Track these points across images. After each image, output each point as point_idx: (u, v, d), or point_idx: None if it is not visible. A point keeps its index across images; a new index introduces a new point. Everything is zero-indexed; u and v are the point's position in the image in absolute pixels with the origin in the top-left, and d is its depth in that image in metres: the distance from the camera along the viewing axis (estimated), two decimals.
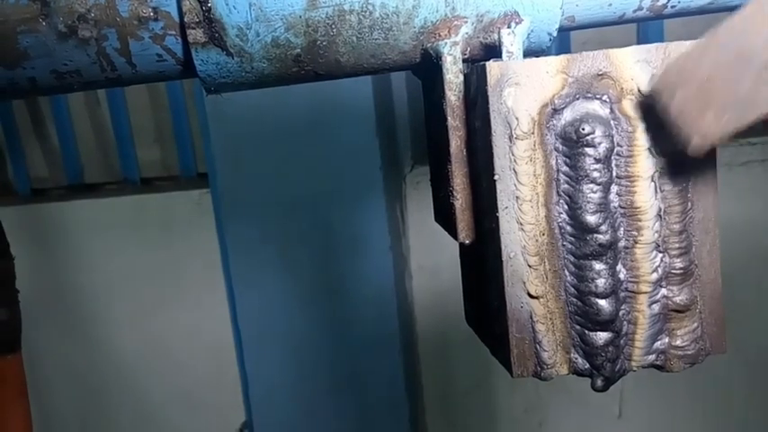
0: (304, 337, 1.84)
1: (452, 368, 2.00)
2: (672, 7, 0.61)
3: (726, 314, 0.53)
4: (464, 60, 0.55)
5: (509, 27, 0.55)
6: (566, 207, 0.50)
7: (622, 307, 0.51)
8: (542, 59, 0.49)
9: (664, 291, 0.51)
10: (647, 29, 1.81)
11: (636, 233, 0.50)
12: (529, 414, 2.02)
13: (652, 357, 0.53)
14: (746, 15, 0.44)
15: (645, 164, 0.49)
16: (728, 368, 1.83)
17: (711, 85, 0.44)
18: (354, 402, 1.88)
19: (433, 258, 1.90)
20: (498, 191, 0.50)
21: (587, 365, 0.52)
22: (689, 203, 0.50)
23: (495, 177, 0.50)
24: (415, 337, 1.98)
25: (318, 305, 1.82)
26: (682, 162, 0.49)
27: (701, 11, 0.62)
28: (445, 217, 0.60)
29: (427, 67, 0.57)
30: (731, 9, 0.63)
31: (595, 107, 0.49)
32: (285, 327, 1.84)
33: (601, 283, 0.50)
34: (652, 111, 0.48)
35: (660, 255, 0.51)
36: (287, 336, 1.84)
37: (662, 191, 0.50)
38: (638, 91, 0.49)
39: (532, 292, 0.51)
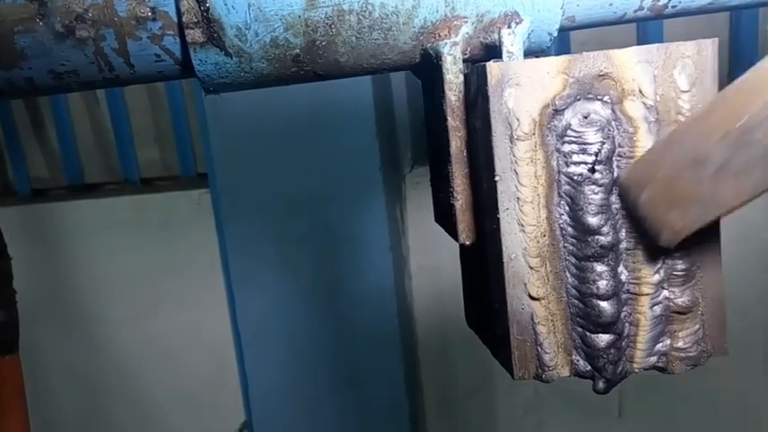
0: (304, 337, 1.84)
1: (452, 369, 2.00)
2: (672, 7, 0.61)
3: (727, 315, 0.53)
4: (464, 60, 0.54)
5: (509, 27, 0.54)
6: (567, 208, 0.50)
7: (624, 309, 0.51)
8: (543, 60, 0.48)
9: (665, 292, 0.51)
10: (646, 29, 1.81)
11: (638, 235, 0.50)
12: (529, 415, 2.01)
13: (654, 359, 0.52)
14: (699, 118, 0.45)
15: None
16: (729, 368, 1.82)
17: (674, 184, 0.45)
18: (354, 403, 1.88)
19: (433, 259, 1.90)
20: (499, 192, 0.50)
21: (589, 367, 0.52)
22: None
23: (496, 178, 0.50)
24: (414, 337, 1.98)
25: (318, 305, 1.82)
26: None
27: (701, 11, 0.62)
28: (445, 218, 0.60)
29: (427, 67, 0.57)
30: (731, 9, 0.63)
31: (596, 108, 0.49)
32: (285, 327, 1.83)
33: (602, 284, 0.50)
34: (625, 207, 0.49)
35: (662, 256, 0.50)
36: (287, 336, 1.84)
37: None
38: (640, 91, 0.49)
39: (534, 294, 0.51)
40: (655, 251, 0.49)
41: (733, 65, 1.86)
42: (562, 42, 1.82)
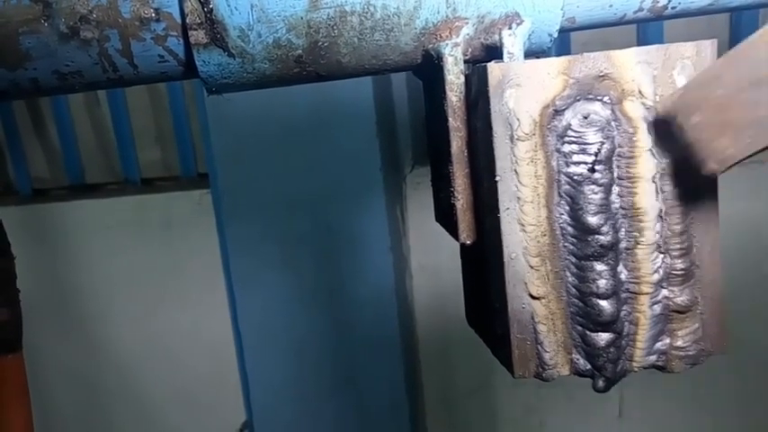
0: (304, 337, 1.84)
1: (453, 368, 2.00)
2: (672, 8, 0.61)
3: (726, 314, 0.53)
4: (465, 61, 0.55)
5: (510, 28, 0.55)
6: (567, 208, 0.50)
7: (623, 308, 0.51)
8: (543, 61, 0.49)
9: (665, 291, 0.51)
10: (646, 29, 1.81)
11: (637, 234, 0.50)
12: (529, 414, 2.02)
13: (653, 358, 0.53)
14: (754, 41, 0.43)
15: (646, 165, 0.49)
16: (729, 368, 1.83)
17: (728, 108, 0.44)
18: (355, 403, 1.88)
19: (434, 258, 1.90)
20: (500, 192, 0.50)
21: (589, 366, 0.52)
22: (690, 204, 0.51)
23: (497, 178, 0.50)
24: (415, 337, 1.98)
25: (319, 305, 1.82)
26: (683, 163, 0.49)
27: (701, 12, 0.62)
28: (446, 217, 0.60)
29: (428, 68, 0.57)
30: (731, 10, 0.63)
31: (596, 108, 0.49)
32: (285, 327, 1.84)
33: (602, 283, 0.50)
34: (667, 134, 0.48)
35: (661, 256, 0.51)
36: (287, 336, 1.84)
37: (663, 192, 0.50)
38: (639, 92, 0.49)
39: (534, 293, 0.51)
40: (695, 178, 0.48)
41: None
42: (562, 43, 1.82)
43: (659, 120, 0.48)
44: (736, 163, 0.45)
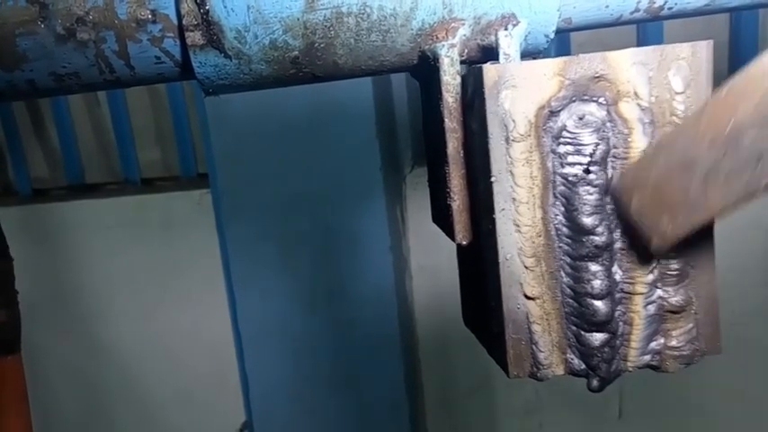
0: (304, 337, 1.84)
1: (453, 369, 2.00)
2: (669, 9, 0.61)
3: (721, 315, 0.53)
4: (461, 62, 0.55)
5: (506, 29, 0.55)
6: (562, 209, 0.50)
7: (618, 308, 0.51)
8: (539, 62, 0.49)
9: (659, 292, 0.52)
10: (646, 30, 1.81)
11: (631, 239, 0.50)
12: (529, 415, 2.02)
13: (647, 358, 0.53)
14: (688, 123, 0.45)
15: None
16: (728, 368, 1.83)
17: (663, 189, 0.46)
18: (354, 403, 1.88)
19: (434, 259, 1.90)
20: (495, 193, 0.50)
21: (583, 366, 0.52)
22: None
23: (492, 179, 0.50)
24: (415, 337, 1.98)
25: (319, 305, 1.82)
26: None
27: (697, 12, 0.63)
28: (443, 218, 0.60)
29: (425, 69, 0.57)
30: (728, 11, 0.63)
31: (592, 109, 0.49)
32: (285, 327, 1.84)
33: (597, 284, 0.50)
34: (617, 210, 0.50)
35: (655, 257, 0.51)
36: (287, 336, 1.84)
37: None
38: (635, 93, 0.49)
39: (529, 294, 0.51)
40: (648, 254, 0.50)
41: (733, 66, 1.87)
42: (562, 44, 1.82)
43: (611, 196, 0.50)
44: (679, 239, 0.47)
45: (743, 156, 0.41)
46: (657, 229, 0.47)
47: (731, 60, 1.87)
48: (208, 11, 0.54)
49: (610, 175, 0.50)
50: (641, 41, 1.83)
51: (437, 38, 0.56)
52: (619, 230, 0.50)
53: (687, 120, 0.46)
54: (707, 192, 0.43)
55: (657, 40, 1.79)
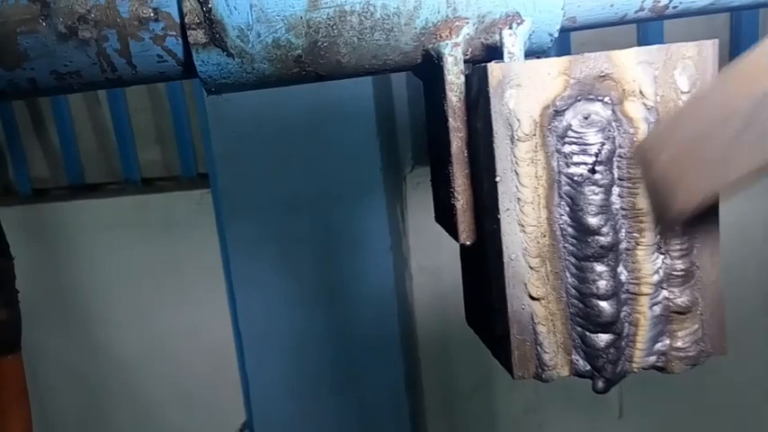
0: (304, 338, 1.84)
1: (453, 369, 2.00)
2: (673, 8, 0.61)
3: (726, 316, 0.53)
4: (465, 61, 0.55)
5: (510, 28, 0.54)
6: (567, 209, 0.50)
7: (623, 309, 0.51)
8: (544, 61, 0.49)
9: (665, 292, 0.51)
10: (646, 29, 1.81)
11: (637, 235, 0.50)
12: (529, 415, 2.02)
13: (653, 359, 0.53)
14: (727, 78, 0.44)
15: None
16: (730, 368, 1.83)
17: (692, 148, 0.44)
18: (355, 403, 1.88)
19: (434, 259, 1.90)
20: (500, 192, 0.50)
21: (588, 367, 0.52)
22: None
23: (497, 179, 0.50)
24: (415, 337, 1.98)
25: (319, 305, 1.82)
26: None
27: (701, 11, 0.62)
28: (446, 218, 0.60)
29: (428, 67, 0.57)
30: (732, 10, 0.63)
31: (597, 109, 0.49)
32: (285, 327, 1.84)
33: (602, 284, 0.50)
34: (640, 172, 0.48)
35: (661, 256, 0.51)
36: (287, 336, 1.84)
37: None
38: (640, 92, 0.49)
39: (534, 294, 0.51)
40: (665, 224, 0.48)
41: None
42: (562, 43, 1.82)
43: (632, 160, 0.49)
44: (702, 202, 0.45)
45: None
46: (683, 189, 0.45)
47: (731, 60, 1.87)
48: (210, 9, 0.53)
49: (616, 175, 0.49)
50: (641, 41, 1.83)
51: (441, 37, 0.55)
52: (624, 230, 0.50)
53: (724, 75, 0.44)
54: (741, 149, 0.42)
55: (658, 39, 1.79)
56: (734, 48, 1.86)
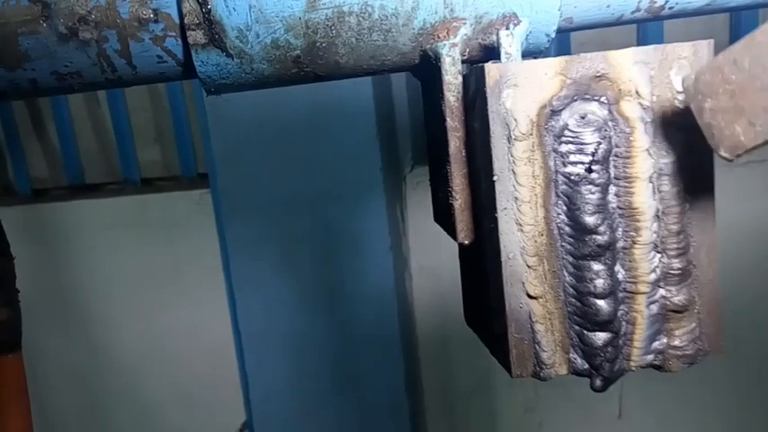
0: (304, 337, 1.84)
1: (453, 368, 2.00)
2: (669, 9, 0.61)
3: (724, 315, 0.53)
4: (463, 62, 0.55)
5: (507, 28, 0.55)
6: (564, 208, 0.50)
7: (621, 307, 0.51)
8: (541, 61, 0.49)
9: (662, 291, 0.52)
10: (646, 30, 1.82)
11: (634, 234, 0.50)
12: (529, 414, 2.02)
13: (650, 357, 0.53)
14: None
15: (643, 165, 0.49)
16: (729, 368, 1.83)
17: (742, 95, 0.43)
18: (354, 402, 1.88)
19: (434, 259, 1.90)
20: (497, 192, 0.50)
21: (586, 365, 0.52)
22: (687, 204, 0.51)
23: (494, 178, 0.50)
24: (415, 337, 1.98)
25: (319, 305, 1.82)
26: (680, 163, 0.49)
27: (698, 12, 0.63)
28: (444, 217, 0.60)
29: (426, 68, 0.57)
30: (728, 10, 0.63)
31: (594, 108, 0.49)
32: (285, 327, 1.84)
33: (599, 283, 0.50)
34: (682, 117, 0.47)
35: (658, 255, 0.51)
36: (287, 336, 1.85)
37: (660, 192, 0.50)
38: (636, 92, 0.49)
39: (531, 293, 0.51)
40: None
41: None
42: (562, 43, 1.83)
43: (677, 104, 0.47)
44: (749, 151, 0.44)
45: None
46: (729, 137, 0.43)
47: None
48: (210, 10, 0.54)
49: (612, 174, 0.50)
50: (641, 41, 1.84)
51: (439, 37, 0.56)
52: (621, 229, 0.50)
53: None
54: None
55: (658, 39, 1.79)
56: None
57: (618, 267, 0.51)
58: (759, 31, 0.42)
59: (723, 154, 0.44)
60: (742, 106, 0.43)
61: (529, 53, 0.59)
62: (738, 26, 1.84)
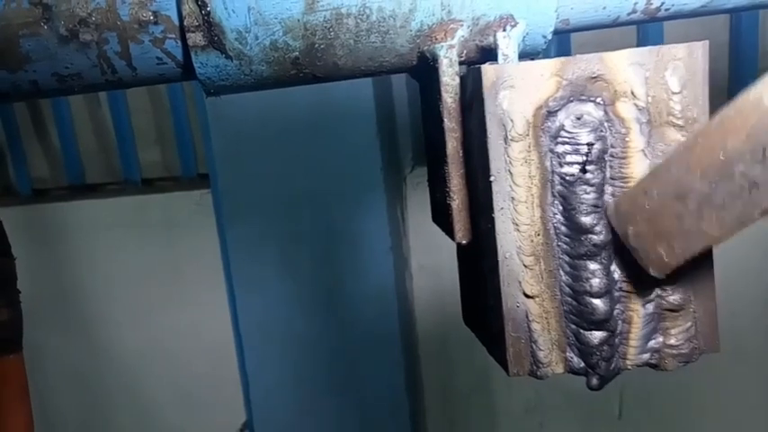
0: (304, 337, 1.85)
1: (453, 368, 2.01)
2: (666, 10, 0.62)
3: (722, 314, 0.54)
4: (460, 63, 0.55)
5: (504, 30, 0.55)
6: (560, 208, 0.50)
7: (617, 306, 0.52)
8: (537, 62, 0.49)
9: (658, 290, 0.52)
10: (647, 31, 1.82)
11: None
12: (529, 414, 2.02)
13: (646, 356, 0.53)
14: (682, 151, 0.45)
15: (639, 165, 0.50)
16: (730, 368, 1.83)
17: (658, 219, 0.46)
18: (354, 402, 1.88)
19: (434, 258, 1.91)
20: (494, 192, 0.51)
21: (582, 364, 0.53)
22: None
23: (491, 178, 0.50)
24: (415, 337, 1.98)
25: (319, 305, 1.82)
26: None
27: (694, 14, 0.63)
28: (442, 217, 0.61)
29: (424, 69, 0.58)
30: (724, 12, 0.64)
31: (589, 109, 0.49)
32: (286, 327, 1.84)
33: (595, 282, 0.50)
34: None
35: None
36: (287, 336, 1.85)
37: None
38: (632, 93, 0.50)
39: (528, 292, 0.52)
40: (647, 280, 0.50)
41: (733, 67, 1.87)
42: (562, 44, 1.83)
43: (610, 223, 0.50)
44: (677, 267, 0.46)
45: (735, 186, 0.41)
46: (655, 258, 0.47)
47: (731, 60, 1.88)
48: (209, 12, 0.54)
49: (608, 175, 0.50)
50: (642, 42, 1.84)
51: (436, 39, 0.56)
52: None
53: (679, 149, 0.45)
54: (702, 221, 0.43)
55: (658, 40, 1.80)
56: (733, 49, 1.86)
57: (614, 267, 0.51)
58: (665, 162, 0.46)
59: (654, 274, 0.48)
60: (659, 231, 0.46)
61: (526, 54, 0.60)
62: (738, 27, 1.84)
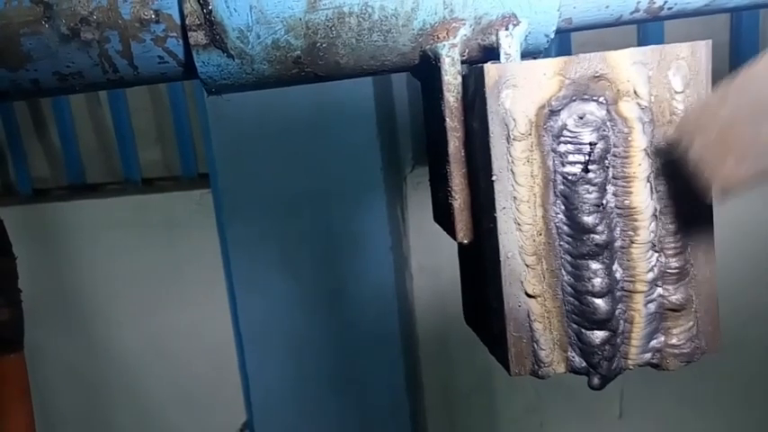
0: (305, 337, 1.85)
1: (453, 368, 2.01)
2: (668, 9, 0.61)
3: (724, 314, 0.53)
4: (462, 62, 0.55)
5: (507, 29, 0.55)
6: (562, 207, 0.50)
7: (619, 306, 0.52)
8: (539, 62, 0.49)
9: (659, 290, 0.52)
10: (647, 30, 1.82)
11: (632, 233, 0.50)
12: (530, 414, 2.02)
13: (648, 356, 0.53)
14: (762, 67, 0.43)
15: (641, 165, 0.50)
16: (730, 368, 1.83)
17: (731, 132, 0.43)
18: (355, 402, 1.88)
19: (434, 258, 1.90)
20: (496, 191, 0.50)
21: (584, 364, 0.52)
22: (684, 204, 0.51)
23: (493, 178, 0.50)
24: (415, 337, 1.98)
25: (319, 305, 1.82)
26: (678, 163, 0.50)
27: (697, 13, 0.63)
28: (444, 217, 0.61)
29: (426, 68, 0.58)
30: (728, 11, 0.64)
31: (592, 108, 0.49)
32: (286, 327, 1.84)
33: (597, 282, 0.50)
34: (669, 159, 0.48)
35: (656, 254, 0.51)
36: (287, 336, 1.85)
37: (657, 191, 0.50)
38: (635, 92, 0.50)
39: (530, 292, 0.52)
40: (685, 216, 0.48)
41: (734, 66, 1.87)
42: (563, 43, 1.83)
43: (664, 147, 0.48)
44: (739, 188, 0.44)
45: None
46: (719, 175, 0.44)
47: (731, 60, 1.88)
48: (211, 11, 0.54)
49: (610, 174, 0.50)
50: (642, 42, 1.84)
51: (438, 38, 0.56)
52: (619, 228, 0.51)
53: (760, 63, 0.43)
54: None
55: (658, 40, 1.80)
56: (734, 48, 1.86)
57: (616, 266, 0.51)
58: (745, 73, 0.43)
59: (715, 191, 0.45)
60: (731, 141, 0.43)
61: (528, 53, 0.60)
62: (739, 27, 1.84)
